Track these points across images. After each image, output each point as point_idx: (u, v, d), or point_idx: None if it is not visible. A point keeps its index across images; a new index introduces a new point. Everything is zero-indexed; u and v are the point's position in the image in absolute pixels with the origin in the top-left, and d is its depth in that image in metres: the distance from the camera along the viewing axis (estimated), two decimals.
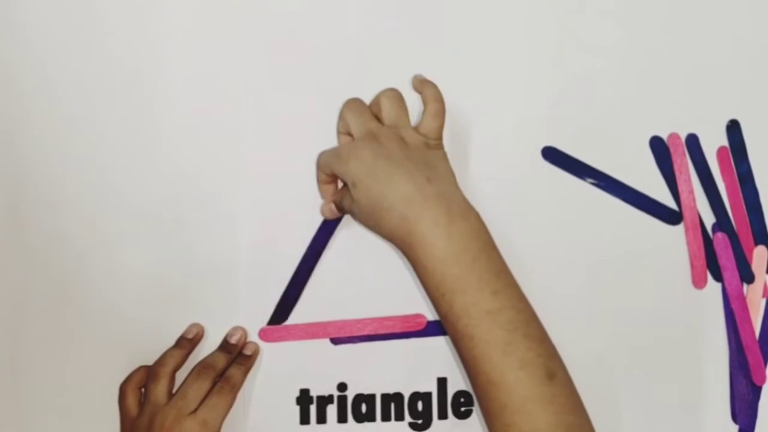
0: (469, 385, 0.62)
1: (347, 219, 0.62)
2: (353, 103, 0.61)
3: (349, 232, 0.63)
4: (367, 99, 0.62)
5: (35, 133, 0.62)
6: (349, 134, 0.60)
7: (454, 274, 0.53)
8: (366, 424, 0.62)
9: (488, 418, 0.54)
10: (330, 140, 0.62)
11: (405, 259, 0.62)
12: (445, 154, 0.59)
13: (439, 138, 0.60)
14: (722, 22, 0.66)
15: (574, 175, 0.64)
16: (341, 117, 0.61)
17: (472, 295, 0.53)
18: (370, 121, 0.59)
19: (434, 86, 0.61)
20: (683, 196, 0.64)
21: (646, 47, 0.65)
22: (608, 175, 0.64)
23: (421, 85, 0.62)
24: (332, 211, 0.62)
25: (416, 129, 0.59)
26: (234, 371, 0.60)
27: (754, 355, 0.64)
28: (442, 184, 0.56)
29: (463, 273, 0.53)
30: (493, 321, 0.52)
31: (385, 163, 0.55)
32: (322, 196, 0.62)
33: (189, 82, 0.63)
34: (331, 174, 0.60)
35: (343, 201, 0.59)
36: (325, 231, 0.63)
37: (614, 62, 0.65)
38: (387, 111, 0.59)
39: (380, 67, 0.63)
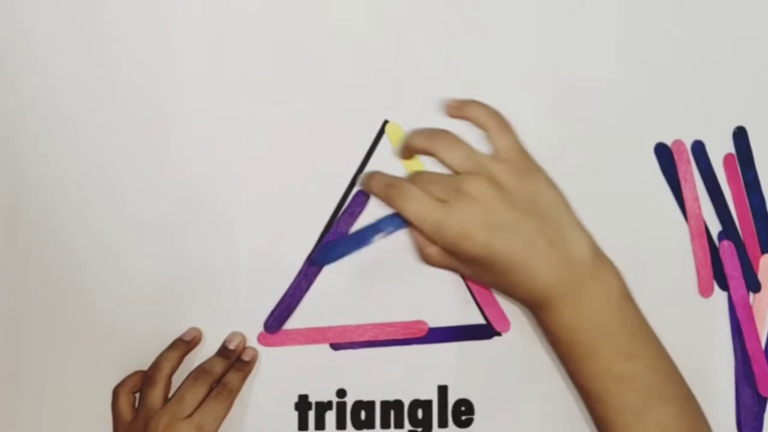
0: (470, 393, 0.62)
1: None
2: (421, 176, 0.53)
3: None
4: (370, 101, 0.62)
5: (35, 137, 0.62)
6: (412, 150, 0.54)
7: (583, 341, 0.50)
8: (365, 431, 0.62)
9: None
10: (330, 145, 0.62)
11: (407, 264, 0.62)
12: (541, 172, 0.53)
13: (522, 152, 0.53)
14: (729, 28, 0.65)
15: None
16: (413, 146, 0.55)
17: (603, 361, 0.50)
18: (450, 184, 0.51)
19: (477, 103, 0.55)
20: (688, 204, 0.64)
21: (651, 53, 0.65)
22: None
23: (461, 108, 0.55)
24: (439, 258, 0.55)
25: (496, 158, 0.52)
26: (232, 377, 0.60)
27: (760, 365, 0.63)
28: (565, 240, 0.50)
29: (593, 339, 0.50)
30: (626, 388, 0.49)
31: (502, 243, 0.49)
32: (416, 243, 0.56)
33: (189, 87, 0.62)
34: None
35: (454, 269, 0.55)
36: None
37: (619, 68, 0.64)
38: (456, 159, 0.51)
39: (382, 71, 0.63)
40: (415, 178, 0.52)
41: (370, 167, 0.63)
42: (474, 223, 0.49)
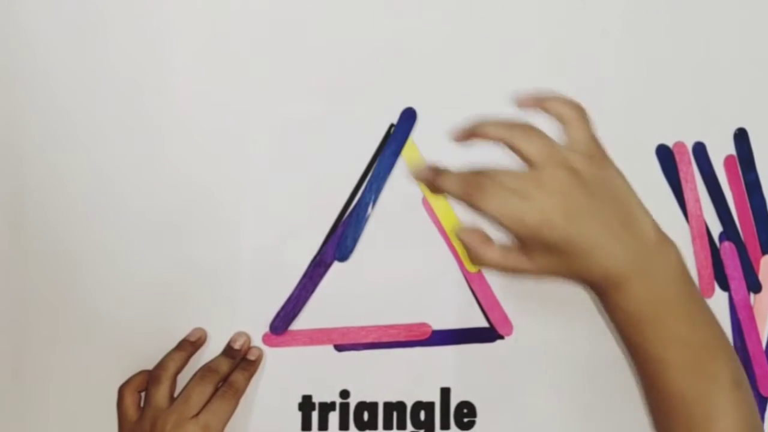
0: (472, 395, 0.62)
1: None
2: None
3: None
4: (372, 104, 0.62)
5: (35, 138, 0.62)
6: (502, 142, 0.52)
7: (652, 313, 0.52)
8: None
9: (675, 428, 0.54)
10: (336, 146, 0.62)
11: (411, 267, 0.62)
12: (609, 159, 0.53)
13: (596, 141, 0.53)
14: (730, 29, 0.65)
15: None
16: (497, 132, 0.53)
17: (666, 328, 0.52)
18: (528, 177, 0.51)
19: (555, 95, 0.54)
20: (689, 205, 0.64)
21: (652, 55, 0.65)
22: None
23: (539, 101, 0.54)
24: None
25: (571, 147, 0.52)
26: (237, 376, 0.60)
27: (760, 365, 0.63)
28: (634, 220, 0.52)
29: (659, 310, 0.52)
30: (683, 346, 0.52)
31: (582, 228, 0.50)
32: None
33: (193, 88, 0.62)
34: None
35: (516, 267, 0.53)
36: (333, 249, 0.62)
37: (621, 70, 0.65)
38: (533, 149, 0.51)
39: (384, 73, 0.63)
40: (489, 173, 0.51)
41: (374, 168, 0.63)
42: (555, 211, 0.50)
